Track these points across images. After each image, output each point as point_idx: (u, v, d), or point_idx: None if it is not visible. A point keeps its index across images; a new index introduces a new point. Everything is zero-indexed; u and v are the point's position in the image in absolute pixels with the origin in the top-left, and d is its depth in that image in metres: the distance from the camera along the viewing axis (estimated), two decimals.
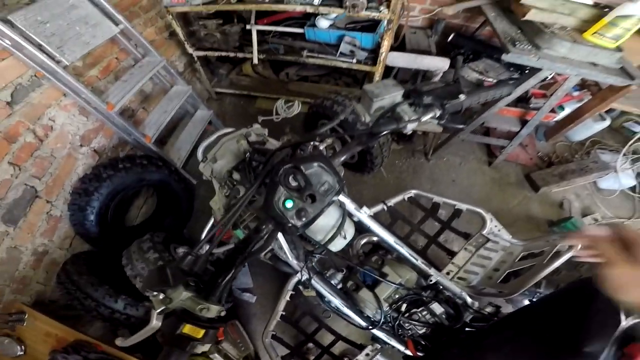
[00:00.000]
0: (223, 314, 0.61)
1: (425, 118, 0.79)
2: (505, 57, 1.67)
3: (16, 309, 1.28)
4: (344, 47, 2.18)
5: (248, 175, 0.89)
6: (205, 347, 0.57)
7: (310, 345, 1.53)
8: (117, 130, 1.76)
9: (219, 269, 0.66)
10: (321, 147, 1.03)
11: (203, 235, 0.89)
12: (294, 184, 0.67)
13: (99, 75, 1.70)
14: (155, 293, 0.57)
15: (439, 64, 2.13)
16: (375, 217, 1.56)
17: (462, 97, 0.84)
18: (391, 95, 0.80)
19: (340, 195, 0.92)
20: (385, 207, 1.55)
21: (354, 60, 2.21)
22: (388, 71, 2.46)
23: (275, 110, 2.61)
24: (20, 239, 1.38)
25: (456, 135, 2.31)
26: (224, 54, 2.27)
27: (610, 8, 1.61)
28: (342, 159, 0.84)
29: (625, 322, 0.76)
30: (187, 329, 0.55)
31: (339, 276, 1.17)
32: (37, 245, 1.48)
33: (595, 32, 1.66)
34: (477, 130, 2.46)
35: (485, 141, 2.55)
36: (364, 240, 1.41)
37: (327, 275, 1.16)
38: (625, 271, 0.54)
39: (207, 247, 0.77)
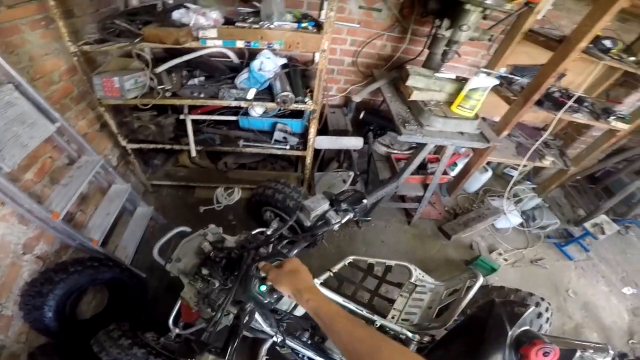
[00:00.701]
0: None
1: (344, 220, 1.18)
2: (400, 138, 2.08)
3: None
4: (277, 135, 2.46)
5: (216, 270, 1.13)
6: None
7: None
8: (60, 236, 1.71)
9: (228, 338, 0.91)
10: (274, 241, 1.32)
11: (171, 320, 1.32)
12: (264, 275, 0.93)
13: (35, 179, 1.64)
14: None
15: (355, 143, 2.58)
16: (325, 282, 1.86)
17: (365, 201, 1.27)
18: (322, 207, 1.17)
19: None
20: (332, 274, 1.92)
21: (287, 147, 2.50)
22: (317, 152, 2.84)
23: (215, 199, 2.73)
24: None
25: (376, 205, 2.74)
26: (159, 146, 2.33)
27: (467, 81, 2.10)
28: (294, 252, 1.17)
29: (511, 332, 1.05)
30: None
31: (307, 334, 1.41)
32: None
33: (458, 105, 2.15)
34: (394, 198, 2.98)
35: (400, 206, 3.12)
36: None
37: (297, 334, 1.39)
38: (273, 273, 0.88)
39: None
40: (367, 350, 0.66)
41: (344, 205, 1.21)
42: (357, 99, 2.64)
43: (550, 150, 3.44)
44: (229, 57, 2.34)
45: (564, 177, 3.58)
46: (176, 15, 1.71)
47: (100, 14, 1.88)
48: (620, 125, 2.86)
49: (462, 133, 2.22)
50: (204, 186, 2.78)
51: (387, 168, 2.91)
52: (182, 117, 2.29)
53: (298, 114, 2.54)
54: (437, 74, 2.32)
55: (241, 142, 2.46)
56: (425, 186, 2.76)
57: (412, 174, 2.60)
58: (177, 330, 1.55)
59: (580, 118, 2.77)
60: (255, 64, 2.08)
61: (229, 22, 1.82)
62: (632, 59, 2.52)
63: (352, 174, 2.80)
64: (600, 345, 1.46)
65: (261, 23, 1.83)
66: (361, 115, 3.03)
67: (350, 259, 2.03)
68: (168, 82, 2.01)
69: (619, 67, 2.43)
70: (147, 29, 1.70)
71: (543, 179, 3.91)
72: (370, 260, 2.12)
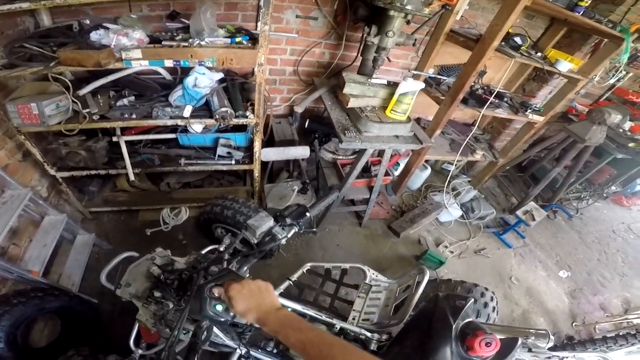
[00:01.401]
0: None
1: (290, 234, 1.24)
2: (342, 145, 2.18)
3: None
4: (220, 150, 2.42)
5: (169, 292, 1.14)
6: None
7: None
8: None
9: (187, 356, 0.92)
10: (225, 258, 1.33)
11: (132, 342, 1.33)
12: (217, 294, 0.96)
13: None
14: None
15: (302, 152, 2.64)
16: (286, 291, 1.90)
17: (308, 214, 1.34)
18: (267, 224, 1.23)
19: None
20: (291, 282, 1.96)
21: (233, 162, 2.47)
22: (265, 165, 2.84)
23: (162, 220, 2.63)
24: None
25: (328, 211, 2.85)
26: (93, 172, 2.19)
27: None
28: (245, 268, 1.20)
29: (454, 324, 1.11)
30: None
31: (271, 343, 1.43)
32: None
33: (391, 110, 2.29)
34: (344, 202, 3.09)
35: (350, 210, 3.24)
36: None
37: (262, 345, 1.41)
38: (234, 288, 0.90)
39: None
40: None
41: (288, 220, 1.27)
42: (299, 109, 2.70)
43: (480, 145, 3.77)
44: (160, 74, 2.26)
45: (495, 168, 3.92)
46: (95, 36, 1.62)
47: (6, 37, 1.73)
48: (536, 117, 3.19)
49: (397, 136, 2.37)
50: (148, 209, 2.67)
51: (335, 174, 3.01)
52: (115, 139, 2.17)
53: (241, 128, 2.51)
54: (371, 80, 2.44)
55: (182, 161, 2.40)
56: (370, 188, 2.89)
57: (357, 178, 2.71)
58: (140, 352, 1.51)
59: (502, 113, 3.05)
60: (189, 80, 2.01)
61: (155, 40, 1.76)
62: (539, 54, 2.82)
63: (301, 183, 2.86)
64: (541, 332, 1.55)
65: (191, 40, 1.78)
66: (306, 124, 3.09)
67: (308, 266, 2.09)
68: (94, 105, 1.90)
69: (528, 63, 2.69)
70: (62, 51, 1.59)
71: (477, 172, 4.26)
72: (327, 265, 2.19)
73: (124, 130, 2.23)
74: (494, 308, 2.11)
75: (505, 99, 3.16)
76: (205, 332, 0.96)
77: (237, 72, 2.55)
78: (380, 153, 3.11)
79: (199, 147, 2.47)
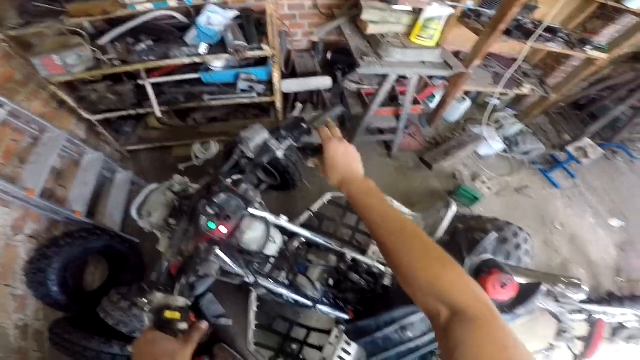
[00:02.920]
0: (189, 304, 0.92)
1: (286, 146, 1.19)
2: (359, 70, 2.12)
3: None
4: (241, 84, 2.48)
5: (182, 218, 1.17)
6: (184, 326, 0.85)
7: (293, 345, 1.84)
8: (44, 213, 1.85)
9: (178, 274, 0.99)
10: (229, 181, 1.38)
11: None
12: (211, 212, 1.01)
13: (3, 162, 1.74)
14: (141, 300, 0.87)
15: (324, 82, 2.61)
16: (308, 222, 1.95)
17: (304, 125, 1.30)
18: (261, 136, 1.18)
19: (260, 212, 1.31)
20: (312, 213, 1.96)
21: (255, 94, 2.53)
22: (287, 97, 2.87)
23: (194, 155, 2.77)
24: None
25: (353, 141, 2.79)
26: (123, 113, 2.37)
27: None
28: (247, 189, 1.20)
29: (468, 259, 1.07)
30: (167, 314, 0.84)
31: (283, 273, 1.49)
32: (15, 320, 1.72)
33: (417, 35, 2.18)
34: (372, 131, 3.01)
35: (375, 139, 3.11)
36: (296, 242, 1.68)
37: (272, 274, 1.47)
38: (333, 145, 0.87)
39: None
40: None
41: (283, 133, 1.23)
42: (315, 37, 2.61)
43: (529, 80, 3.41)
44: (176, 18, 2.27)
45: (546, 104, 3.56)
46: None
47: None
48: (597, 54, 2.89)
49: (423, 62, 2.24)
50: (180, 144, 2.84)
51: (359, 104, 2.92)
52: (140, 82, 2.29)
53: (262, 62, 2.52)
54: (393, 6, 2.24)
55: (206, 97, 2.48)
56: (398, 117, 2.80)
57: (384, 106, 2.66)
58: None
59: (554, 47, 2.78)
60: (202, 19, 2.04)
61: None
62: None
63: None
64: (574, 281, 1.47)
65: None
66: (328, 56, 3.00)
67: (329, 196, 2.09)
68: (113, 52, 2.02)
69: None
70: (71, 5, 1.72)
71: (526, 107, 3.89)
72: None
73: (149, 73, 2.34)
74: (527, 251, 1.98)
75: (560, 35, 2.84)
76: (204, 254, 1.04)
77: (254, 9, 2.47)
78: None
79: (222, 84, 2.54)
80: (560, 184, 3.47)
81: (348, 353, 1.58)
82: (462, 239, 1.17)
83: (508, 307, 1.03)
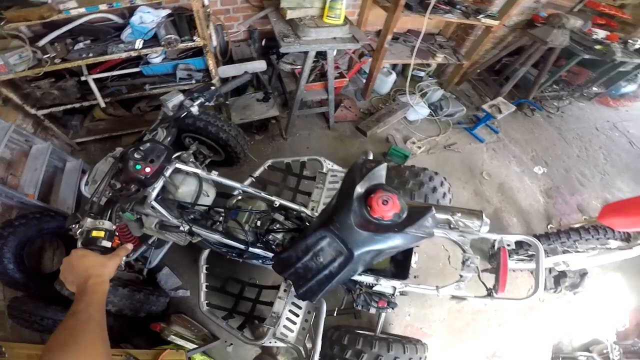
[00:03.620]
0: (113, 228, 1.06)
1: (198, 102, 1.45)
2: (281, 49, 2.44)
3: None
4: (180, 73, 2.70)
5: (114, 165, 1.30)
6: (108, 244, 1.00)
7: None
8: None
9: (106, 205, 1.15)
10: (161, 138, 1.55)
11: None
12: (137, 157, 1.21)
13: None
14: (72, 226, 1.04)
15: (258, 66, 2.88)
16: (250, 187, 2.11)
17: (212, 88, 1.54)
18: (177, 98, 1.46)
19: (192, 168, 1.53)
20: (253, 179, 2.10)
21: (194, 81, 2.73)
22: (226, 80, 3.06)
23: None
24: None
25: (292, 115, 3.10)
26: (68, 106, 2.52)
27: None
28: (169, 138, 1.45)
29: (359, 185, 1.09)
30: (94, 233, 1.00)
31: (219, 223, 1.62)
32: None
33: (327, 16, 2.53)
34: (310, 105, 3.36)
35: (311, 112, 3.45)
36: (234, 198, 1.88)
37: (205, 222, 1.59)
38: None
39: None
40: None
41: (195, 94, 1.52)
42: (242, 27, 2.88)
43: (444, 50, 3.84)
44: (112, 20, 2.49)
45: (462, 70, 4.04)
46: None
47: None
48: (490, 21, 3.30)
49: (335, 38, 2.59)
50: (129, 133, 3.00)
51: (294, 82, 3.24)
52: (83, 78, 2.46)
53: (199, 53, 2.72)
54: None
55: (148, 87, 2.70)
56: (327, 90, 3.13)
57: (315, 81, 3.00)
58: (124, 258, 1.88)
59: (452, 18, 3.19)
60: (135, 19, 2.28)
61: None
62: None
63: (263, 93, 3.16)
64: (474, 212, 1.54)
65: None
66: (263, 43, 3.29)
67: (269, 162, 2.23)
68: (53, 52, 2.19)
69: None
70: (8, 12, 1.87)
71: (447, 76, 4.37)
72: (287, 159, 2.30)
73: (90, 69, 2.50)
74: (444, 194, 2.19)
75: (458, 6, 3.24)
76: (134, 191, 1.24)
77: (186, 7, 2.67)
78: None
79: (162, 74, 2.76)
80: (485, 138, 3.91)
81: (299, 307, 1.72)
82: (357, 169, 1.15)
83: (398, 227, 1.04)
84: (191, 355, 1.85)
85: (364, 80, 3.86)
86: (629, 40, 4.22)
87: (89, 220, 1.04)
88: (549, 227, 3.10)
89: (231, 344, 2.22)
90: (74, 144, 2.89)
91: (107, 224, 1.04)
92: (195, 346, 1.94)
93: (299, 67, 3.17)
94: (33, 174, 2.23)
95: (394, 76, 3.88)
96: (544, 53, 3.79)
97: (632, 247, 2.18)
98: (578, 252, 2.37)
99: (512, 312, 2.73)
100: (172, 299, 2.24)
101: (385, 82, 3.90)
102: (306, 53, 2.59)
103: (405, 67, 4.03)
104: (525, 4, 3.74)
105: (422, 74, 4.22)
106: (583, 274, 2.81)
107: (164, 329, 1.93)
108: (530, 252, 2.35)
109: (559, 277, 2.78)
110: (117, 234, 1.07)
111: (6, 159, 2.27)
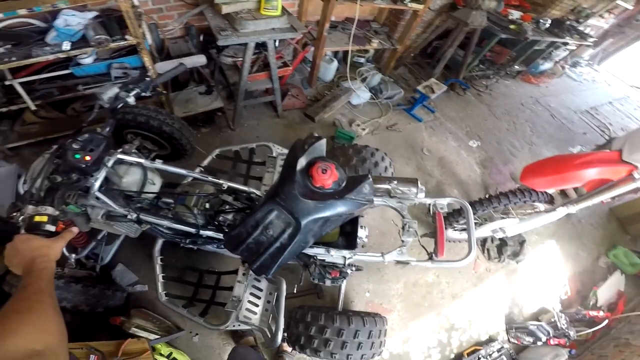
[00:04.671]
0: (57, 214, 1.09)
1: (133, 94, 1.50)
2: (219, 43, 2.49)
3: None
4: (115, 72, 2.65)
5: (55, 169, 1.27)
6: (52, 227, 1.04)
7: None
8: None
9: (47, 192, 1.16)
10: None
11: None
12: (76, 147, 1.22)
13: None
14: (14, 214, 1.07)
15: (196, 60, 2.90)
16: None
17: (147, 79, 1.57)
18: (112, 90, 1.49)
19: (134, 158, 1.56)
20: (202, 168, 2.13)
21: (129, 79, 2.73)
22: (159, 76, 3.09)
23: None
24: None
25: (238, 106, 3.15)
26: None
27: None
28: (108, 129, 1.49)
29: (301, 158, 1.15)
30: (37, 218, 1.03)
31: (167, 210, 1.67)
32: None
33: (264, 8, 2.60)
34: (257, 95, 3.43)
35: (257, 101, 3.51)
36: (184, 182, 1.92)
37: (154, 211, 1.61)
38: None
39: None
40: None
41: (131, 86, 1.55)
42: (176, 25, 2.88)
43: (379, 36, 4.09)
44: (34, 24, 2.40)
45: (397, 55, 4.33)
46: None
47: None
48: (415, 5, 3.56)
49: (273, 29, 2.68)
50: (64, 135, 2.79)
51: (237, 74, 3.24)
52: (7, 82, 2.36)
53: (134, 52, 2.66)
54: None
55: (81, 87, 2.63)
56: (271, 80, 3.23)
57: (258, 71, 3.10)
58: (74, 256, 1.78)
59: (381, 3, 3.44)
60: (59, 22, 2.22)
61: None
62: None
63: (205, 86, 3.20)
64: (409, 180, 1.68)
65: None
66: (201, 38, 3.31)
67: (217, 151, 2.28)
68: None
69: None
70: None
71: (385, 61, 4.63)
72: (234, 147, 2.34)
73: (15, 73, 2.39)
74: (385, 168, 2.36)
75: None
76: (75, 180, 1.25)
77: (114, 8, 2.61)
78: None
79: (95, 75, 2.70)
80: (423, 117, 4.25)
81: (260, 289, 1.79)
82: (298, 145, 1.23)
83: (339, 194, 1.14)
84: (155, 345, 1.87)
85: (309, 69, 3.99)
86: (540, 20, 4.76)
87: (30, 207, 1.07)
88: (486, 196, 3.44)
89: (197, 334, 2.25)
90: (5, 149, 2.73)
91: (49, 210, 1.08)
92: (158, 337, 1.96)
93: (240, 59, 3.21)
94: None
95: (335, 63, 4.06)
96: (468, 34, 4.16)
97: (555, 209, 2.30)
98: (512, 217, 2.56)
99: (464, 284, 2.96)
100: (130, 295, 2.24)
101: (329, 69, 4.08)
102: (246, 45, 2.66)
103: (346, 54, 4.21)
104: None
105: (362, 60, 4.45)
106: (522, 242, 3.16)
107: (124, 322, 1.94)
108: None
109: (501, 247, 3.09)
110: (61, 218, 1.10)
111: None
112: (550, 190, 2.39)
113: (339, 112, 3.91)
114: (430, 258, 1.63)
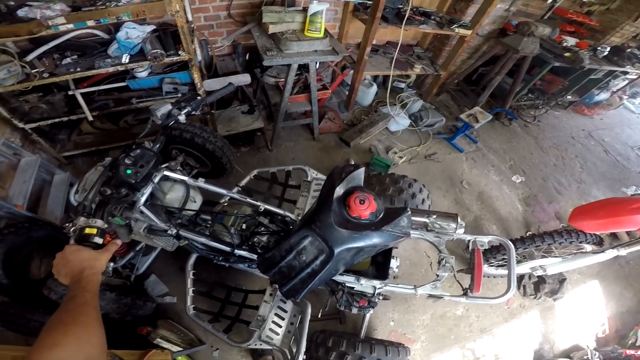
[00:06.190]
0: (105, 227, 1.14)
1: (184, 112, 1.58)
2: (264, 63, 2.57)
3: None
4: (166, 87, 2.81)
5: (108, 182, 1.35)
6: (100, 240, 1.08)
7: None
8: None
9: (98, 206, 1.24)
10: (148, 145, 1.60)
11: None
12: (128, 162, 1.29)
13: None
14: (67, 224, 1.13)
15: (242, 79, 3.03)
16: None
17: (199, 97, 1.64)
18: (165, 107, 1.57)
19: (179, 175, 1.63)
20: (239, 188, 2.21)
21: (179, 95, 2.84)
22: (209, 94, 3.28)
23: None
24: None
25: (277, 127, 3.25)
26: (56, 120, 2.60)
27: None
28: (158, 145, 1.55)
29: (338, 186, 1.15)
30: (87, 230, 1.08)
31: (205, 226, 1.72)
32: None
33: (308, 29, 2.69)
34: (295, 117, 3.51)
35: (296, 123, 3.59)
36: (222, 201, 2.00)
37: (194, 228, 1.67)
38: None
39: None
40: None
41: (183, 104, 1.64)
42: (225, 42, 3.05)
43: (422, 61, 4.09)
44: (98, 35, 2.62)
45: (440, 81, 4.28)
46: (21, 13, 1.95)
47: None
48: (463, 31, 3.52)
49: (316, 51, 2.76)
50: (115, 146, 3.08)
51: (278, 94, 3.38)
52: (70, 92, 2.56)
53: (185, 67, 2.82)
54: (288, 8, 2.76)
55: (134, 100, 2.81)
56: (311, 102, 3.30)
57: (298, 93, 3.18)
58: (111, 265, 1.90)
59: (427, 28, 3.40)
60: (121, 34, 2.41)
61: (77, 8, 2.07)
62: None
63: (247, 106, 3.31)
64: (450, 215, 1.65)
65: (108, 3, 2.10)
66: (247, 57, 3.47)
67: (255, 172, 2.34)
68: (41, 66, 2.29)
69: None
70: None
71: (427, 86, 4.60)
72: (272, 169, 2.41)
73: (78, 84, 2.61)
74: (423, 200, 2.32)
75: (433, 17, 3.46)
76: (124, 195, 1.33)
77: (170, 22, 2.82)
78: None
79: (149, 88, 2.87)
80: (464, 148, 4.10)
81: (284, 310, 1.81)
82: (336, 172, 1.23)
83: (375, 226, 1.13)
84: (176, 357, 1.91)
85: (347, 92, 4.05)
86: (598, 48, 4.49)
87: (82, 218, 1.14)
88: (527, 234, 3.19)
89: (217, 349, 2.28)
90: (62, 157, 2.96)
91: (99, 222, 1.14)
92: (180, 349, 2.01)
93: (282, 79, 3.33)
94: (22, 185, 2.30)
95: (375, 88, 4.08)
96: (517, 61, 4.05)
97: (604, 251, 2.21)
98: (555, 256, 2.46)
99: (494, 318, 2.83)
100: (159, 306, 2.32)
101: (367, 94, 4.10)
102: (289, 66, 2.75)
103: (386, 78, 4.24)
104: (496, 13, 4.00)
105: (403, 85, 4.46)
106: (562, 280, 2.97)
107: (150, 332, 1.99)
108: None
109: (538, 283, 2.92)
110: (108, 232, 1.16)
111: None
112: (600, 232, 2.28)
113: (376, 138, 3.91)
114: (465, 294, 1.61)
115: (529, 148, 4.54)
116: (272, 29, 2.73)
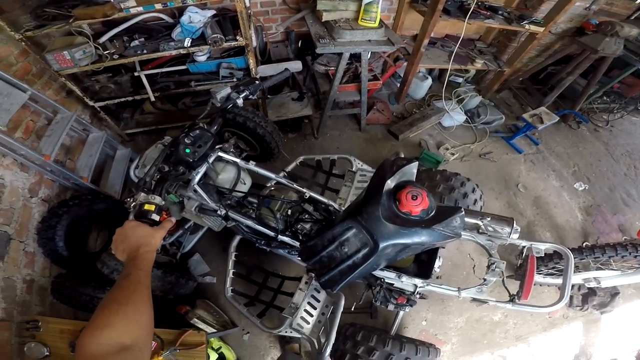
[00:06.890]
0: (162, 204, 1.18)
1: (242, 95, 1.63)
2: (317, 50, 2.57)
3: (30, 318, 1.69)
4: (223, 72, 2.94)
5: (167, 159, 1.43)
6: (157, 217, 1.11)
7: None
8: (56, 178, 2.27)
9: (158, 182, 1.29)
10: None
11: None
12: (188, 141, 1.37)
13: (24, 136, 2.16)
14: (128, 199, 1.19)
15: (295, 66, 3.07)
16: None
17: (257, 82, 1.69)
18: (225, 90, 1.63)
19: (232, 157, 1.69)
20: (285, 173, 2.21)
21: (235, 80, 2.95)
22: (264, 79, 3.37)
23: None
24: (10, 271, 1.86)
25: (324, 115, 3.26)
26: (122, 99, 2.82)
27: None
28: (215, 127, 1.61)
29: (389, 180, 1.12)
30: (146, 206, 1.11)
31: (251, 209, 1.77)
32: (24, 275, 1.97)
33: (362, 19, 2.65)
34: (343, 106, 3.49)
35: (344, 112, 3.56)
36: (268, 184, 2.02)
37: (242, 210, 1.72)
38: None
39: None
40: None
41: (241, 87, 1.70)
42: (280, 28, 3.13)
43: (484, 56, 3.87)
44: (163, 19, 2.77)
45: (503, 77, 4.03)
46: None
47: (28, 7, 2.22)
48: (535, 28, 3.30)
49: (369, 41, 2.71)
50: (173, 126, 3.27)
51: (328, 83, 3.38)
52: (136, 74, 2.75)
53: (240, 52, 2.95)
54: None
55: (193, 83, 2.95)
56: (360, 92, 3.27)
57: (348, 82, 3.15)
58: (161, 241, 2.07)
59: (493, 23, 3.22)
60: (184, 18, 2.52)
61: None
62: None
63: (297, 93, 3.36)
64: (505, 218, 1.60)
65: None
66: (299, 44, 3.49)
67: (301, 158, 2.38)
68: (112, 48, 2.48)
69: None
70: (77, 10, 2.13)
71: (487, 82, 4.36)
72: (317, 156, 2.42)
73: (143, 66, 2.79)
74: (475, 201, 2.23)
75: (500, 12, 3.27)
76: (182, 172, 1.40)
77: (229, 8, 2.94)
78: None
79: (207, 72, 3.01)
80: (523, 149, 3.83)
81: (317, 300, 1.83)
82: (387, 164, 1.19)
83: (426, 223, 1.08)
84: (209, 339, 1.97)
85: (398, 84, 3.95)
86: None
87: (142, 194, 1.19)
88: (584, 244, 3.02)
89: (248, 332, 2.35)
90: (124, 134, 3.20)
91: (157, 199, 1.18)
92: (214, 330, 2.08)
93: (332, 68, 3.30)
94: (88, 159, 2.51)
95: (429, 81, 3.94)
96: (594, 62, 3.70)
97: None
98: (612, 269, 2.30)
99: (532, 327, 2.70)
100: (199, 285, 2.41)
101: (421, 87, 3.97)
102: (340, 54, 2.74)
103: (442, 72, 4.07)
104: (574, 11, 3.70)
105: (460, 79, 4.25)
106: (614, 294, 2.77)
107: (188, 311, 2.08)
108: (558, 267, 2.33)
109: (587, 295, 2.75)
110: (165, 209, 1.21)
111: (66, 144, 2.58)
112: None
113: (427, 132, 3.76)
114: (512, 300, 1.57)
115: (598, 154, 4.12)
116: (325, 17, 2.72)
